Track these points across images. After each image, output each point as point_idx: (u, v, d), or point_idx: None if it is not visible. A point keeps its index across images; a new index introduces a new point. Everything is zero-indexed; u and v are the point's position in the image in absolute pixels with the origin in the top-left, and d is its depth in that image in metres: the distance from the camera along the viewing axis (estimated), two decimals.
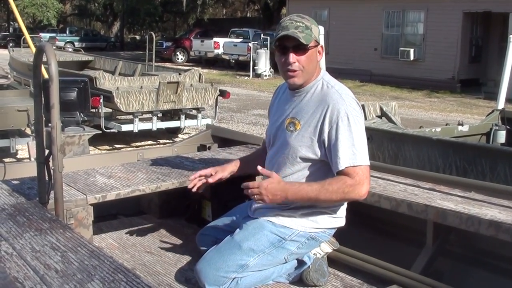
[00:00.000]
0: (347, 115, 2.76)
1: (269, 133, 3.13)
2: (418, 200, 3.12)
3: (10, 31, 48.85)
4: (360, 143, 2.76)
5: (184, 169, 3.66)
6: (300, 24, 2.82)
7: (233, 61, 30.09)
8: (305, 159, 2.88)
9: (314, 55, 2.88)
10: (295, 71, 2.86)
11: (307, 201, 2.81)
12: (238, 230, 2.94)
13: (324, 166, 2.83)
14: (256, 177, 3.89)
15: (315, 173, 2.88)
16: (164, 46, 34.91)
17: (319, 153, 2.84)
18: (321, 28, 5.96)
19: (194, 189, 3.15)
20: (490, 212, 2.89)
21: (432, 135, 6.44)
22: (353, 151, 2.73)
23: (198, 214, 3.94)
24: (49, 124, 2.66)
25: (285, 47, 2.83)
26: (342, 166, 2.73)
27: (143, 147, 10.41)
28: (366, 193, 2.77)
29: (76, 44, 42.28)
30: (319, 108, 2.84)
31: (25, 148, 8.63)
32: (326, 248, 3.02)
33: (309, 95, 2.91)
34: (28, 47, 9.98)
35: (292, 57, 2.83)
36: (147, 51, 13.81)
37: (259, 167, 2.87)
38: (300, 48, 2.81)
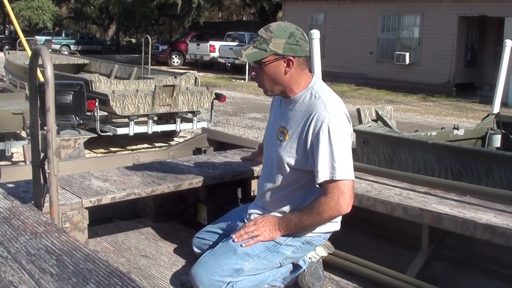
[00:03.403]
0: (329, 127, 2.72)
1: (264, 141, 3.14)
2: (413, 204, 3.13)
3: (6, 34, 48.77)
4: (341, 156, 2.71)
5: (180, 173, 3.65)
6: (259, 37, 2.82)
7: (229, 64, 30.13)
8: (294, 170, 2.86)
9: (273, 69, 2.82)
10: (259, 83, 2.92)
11: (297, 229, 2.85)
12: (233, 234, 2.93)
13: (314, 178, 2.81)
14: (252, 181, 3.91)
15: (306, 184, 2.87)
16: (160, 50, 34.96)
17: (306, 164, 2.82)
18: (317, 32, 5.99)
19: None
20: (485, 216, 2.90)
21: (427, 139, 6.44)
22: (332, 165, 2.70)
23: (193, 218, 3.93)
24: (45, 127, 2.66)
25: None
26: (320, 179, 2.72)
27: (139, 150, 10.41)
28: (346, 208, 2.74)
29: (72, 47, 42.34)
30: (304, 118, 2.81)
31: (20, 151, 8.60)
32: (322, 252, 3.02)
33: (298, 105, 2.88)
34: (24, 50, 9.99)
35: (252, 71, 2.91)
36: (143, 54, 13.81)
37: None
38: (256, 62, 2.84)
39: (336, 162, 2.70)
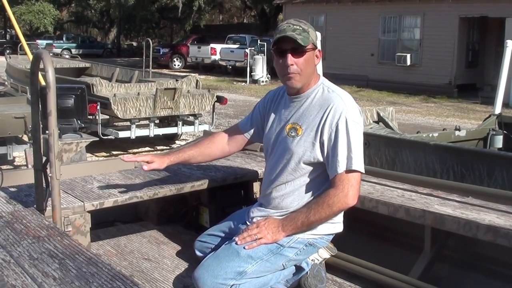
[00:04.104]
0: (346, 119, 2.77)
1: (267, 141, 3.11)
2: (415, 205, 3.13)
3: (7, 38, 48.86)
4: (357, 148, 2.76)
5: (182, 176, 3.65)
6: (298, 27, 2.83)
7: (230, 67, 30.17)
8: (308, 164, 2.87)
9: (311, 58, 2.88)
10: (293, 73, 2.85)
11: (304, 227, 2.84)
12: (236, 236, 2.93)
13: (326, 171, 2.83)
14: (254, 183, 3.91)
15: (318, 178, 2.88)
16: (161, 53, 34.97)
17: (321, 157, 2.84)
18: (318, 34, 5.99)
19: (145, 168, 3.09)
20: (488, 217, 2.90)
21: (429, 140, 6.45)
22: (349, 155, 2.75)
23: (196, 221, 3.93)
24: (46, 131, 2.66)
25: (283, 50, 2.84)
26: (339, 170, 2.74)
27: (141, 153, 10.41)
28: (353, 200, 2.77)
29: (73, 50, 42.33)
30: (321, 112, 2.84)
31: (22, 155, 8.62)
32: (324, 254, 3.02)
33: (310, 100, 2.91)
34: (25, 54, 10.00)
35: (290, 59, 2.82)
36: (144, 57, 13.82)
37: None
38: (298, 50, 2.82)
39: (353, 153, 2.75)
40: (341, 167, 2.74)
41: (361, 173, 2.79)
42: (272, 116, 3.10)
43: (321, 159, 2.84)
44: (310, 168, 2.88)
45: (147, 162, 3.12)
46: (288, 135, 2.92)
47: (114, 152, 10.67)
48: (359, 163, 2.76)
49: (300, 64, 2.84)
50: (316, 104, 2.88)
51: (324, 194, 2.79)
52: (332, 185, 2.78)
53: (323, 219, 2.81)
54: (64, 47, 43.98)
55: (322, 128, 2.81)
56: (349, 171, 2.74)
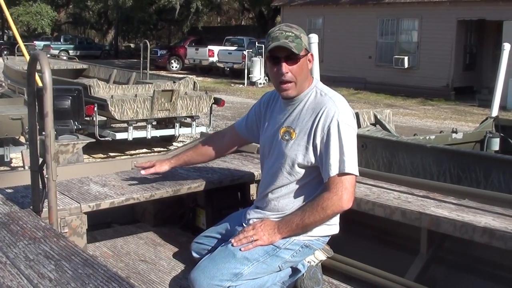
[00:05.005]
0: (338, 122, 2.77)
1: (263, 144, 3.12)
2: (412, 207, 3.13)
3: (4, 39, 48.77)
4: (349, 151, 2.76)
5: (179, 178, 3.65)
6: (290, 33, 2.83)
7: (228, 69, 30.18)
8: (302, 167, 2.88)
9: (305, 64, 2.89)
10: (288, 82, 2.86)
11: (299, 229, 2.84)
12: (232, 238, 2.93)
13: (319, 175, 2.84)
14: (251, 185, 3.91)
15: (313, 180, 2.89)
16: (158, 54, 34.99)
17: (314, 161, 2.84)
18: (316, 36, 6.00)
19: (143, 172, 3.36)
20: (484, 220, 2.90)
21: (426, 143, 6.46)
22: (342, 159, 2.74)
23: (192, 222, 3.93)
24: (43, 133, 2.66)
25: (277, 58, 2.84)
26: (333, 172, 2.74)
27: (138, 155, 10.40)
28: (348, 204, 2.76)
29: (71, 52, 42.28)
30: (313, 115, 2.85)
31: (19, 156, 8.62)
32: (321, 255, 3.02)
33: (303, 104, 2.91)
34: (22, 55, 9.99)
35: (285, 67, 2.83)
36: (141, 59, 13.83)
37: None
38: (292, 57, 2.82)
39: (346, 156, 2.74)
40: (334, 170, 2.74)
41: (355, 175, 2.79)
42: (268, 119, 3.11)
43: (315, 163, 2.84)
44: (305, 171, 2.88)
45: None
46: (282, 138, 2.93)
47: (111, 154, 10.66)
48: (352, 166, 2.75)
49: (294, 72, 2.85)
50: (309, 107, 2.89)
51: (318, 197, 2.79)
52: (326, 188, 2.77)
53: (317, 222, 2.81)
54: (62, 48, 43.93)
55: (315, 131, 2.82)
56: (342, 174, 2.73)
